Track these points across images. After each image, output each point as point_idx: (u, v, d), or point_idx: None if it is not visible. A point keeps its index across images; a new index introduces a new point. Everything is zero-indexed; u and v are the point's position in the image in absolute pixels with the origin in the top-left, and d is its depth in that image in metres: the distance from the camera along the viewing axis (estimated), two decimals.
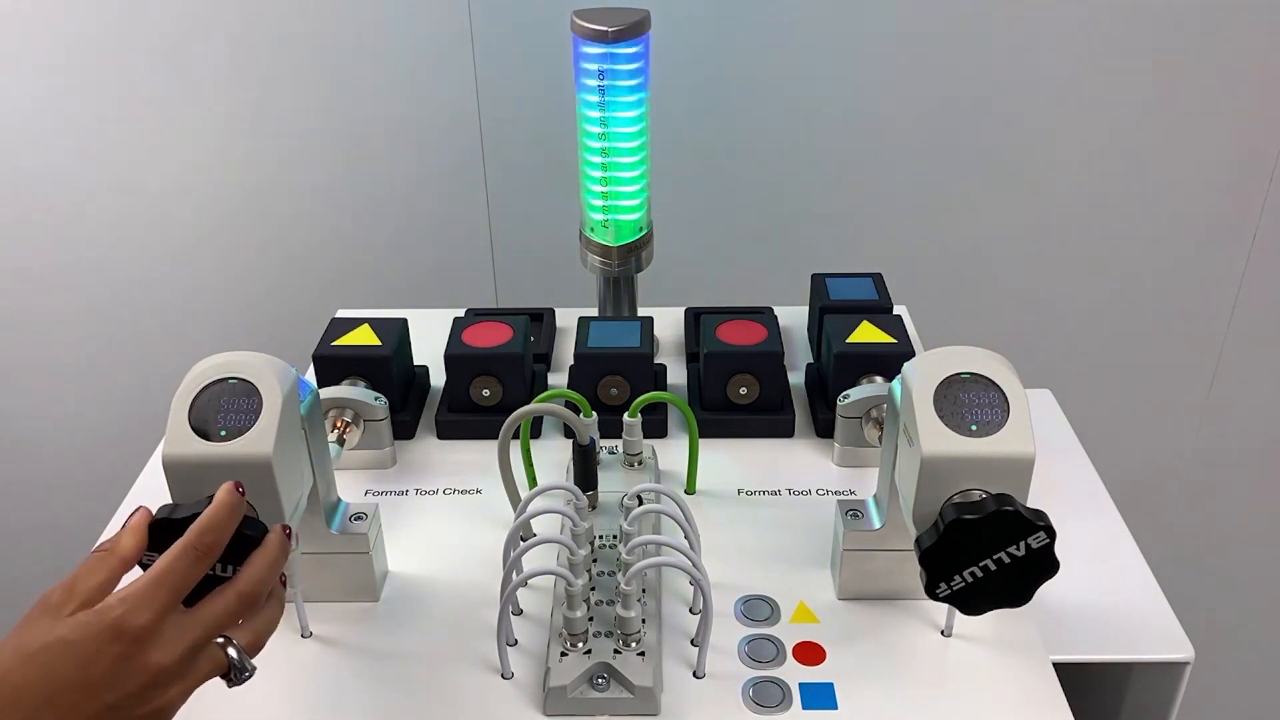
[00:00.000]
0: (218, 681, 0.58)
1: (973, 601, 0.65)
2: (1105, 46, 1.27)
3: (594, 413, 0.84)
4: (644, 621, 0.71)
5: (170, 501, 0.65)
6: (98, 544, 0.61)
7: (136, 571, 0.59)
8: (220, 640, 0.58)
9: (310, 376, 0.95)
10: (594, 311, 1.09)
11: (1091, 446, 1.02)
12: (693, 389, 1.00)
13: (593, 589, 0.73)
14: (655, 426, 0.95)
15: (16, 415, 1.53)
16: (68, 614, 0.54)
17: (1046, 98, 1.30)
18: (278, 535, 0.62)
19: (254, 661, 0.59)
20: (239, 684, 0.59)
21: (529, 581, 0.73)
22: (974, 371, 0.67)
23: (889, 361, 0.92)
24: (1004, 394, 0.67)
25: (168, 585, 0.55)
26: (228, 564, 0.61)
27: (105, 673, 0.52)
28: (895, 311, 1.02)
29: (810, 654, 0.73)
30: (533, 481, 0.87)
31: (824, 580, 0.79)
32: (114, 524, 0.89)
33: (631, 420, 0.87)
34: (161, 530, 0.59)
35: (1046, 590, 0.65)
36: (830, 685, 0.70)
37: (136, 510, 0.61)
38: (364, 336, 0.95)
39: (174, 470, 0.65)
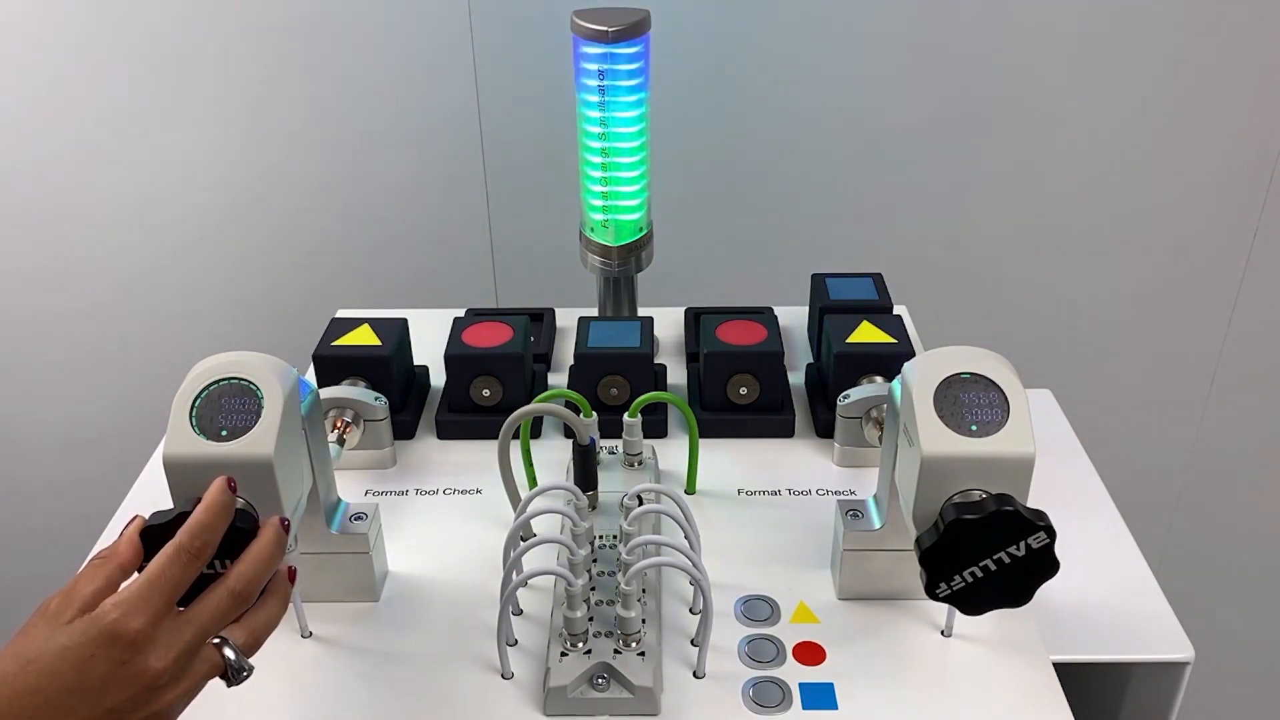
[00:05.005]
0: (218, 681, 0.59)
1: (973, 601, 0.65)
2: (1105, 46, 1.27)
3: (594, 413, 0.84)
4: (644, 621, 0.71)
5: (171, 503, 0.65)
6: (95, 551, 0.61)
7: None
8: (215, 641, 0.58)
9: (310, 376, 0.95)
10: (594, 311, 1.09)
11: (1091, 446, 1.02)
12: (693, 389, 1.00)
13: (593, 589, 0.73)
14: (655, 426, 0.95)
15: (16, 415, 1.53)
16: (65, 621, 0.54)
17: (1046, 97, 1.30)
18: (272, 530, 0.62)
19: (254, 661, 0.59)
20: (237, 683, 0.59)
21: (529, 581, 0.73)
22: (974, 371, 0.67)
23: (889, 361, 0.92)
24: (1004, 394, 0.67)
25: (160, 589, 0.55)
26: (222, 558, 0.60)
27: (103, 678, 0.53)
28: (895, 311, 1.02)
29: (810, 654, 0.73)
30: (533, 481, 0.87)
31: (824, 580, 0.79)
32: (115, 524, 0.89)
33: (631, 420, 0.87)
34: (157, 537, 0.59)
35: (1046, 590, 0.65)
36: (830, 685, 0.70)
37: (134, 519, 0.61)
38: (364, 336, 0.95)
39: (175, 470, 0.65)
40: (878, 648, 0.73)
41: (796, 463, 0.93)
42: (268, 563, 0.61)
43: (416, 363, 1.03)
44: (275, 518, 0.63)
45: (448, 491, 0.90)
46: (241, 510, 0.63)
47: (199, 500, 0.60)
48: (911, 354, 0.93)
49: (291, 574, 0.64)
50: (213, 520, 0.59)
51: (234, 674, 0.58)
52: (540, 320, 1.11)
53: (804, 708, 0.69)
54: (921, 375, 0.68)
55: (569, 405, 0.82)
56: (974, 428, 0.65)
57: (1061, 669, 0.72)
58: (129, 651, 0.53)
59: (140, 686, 0.53)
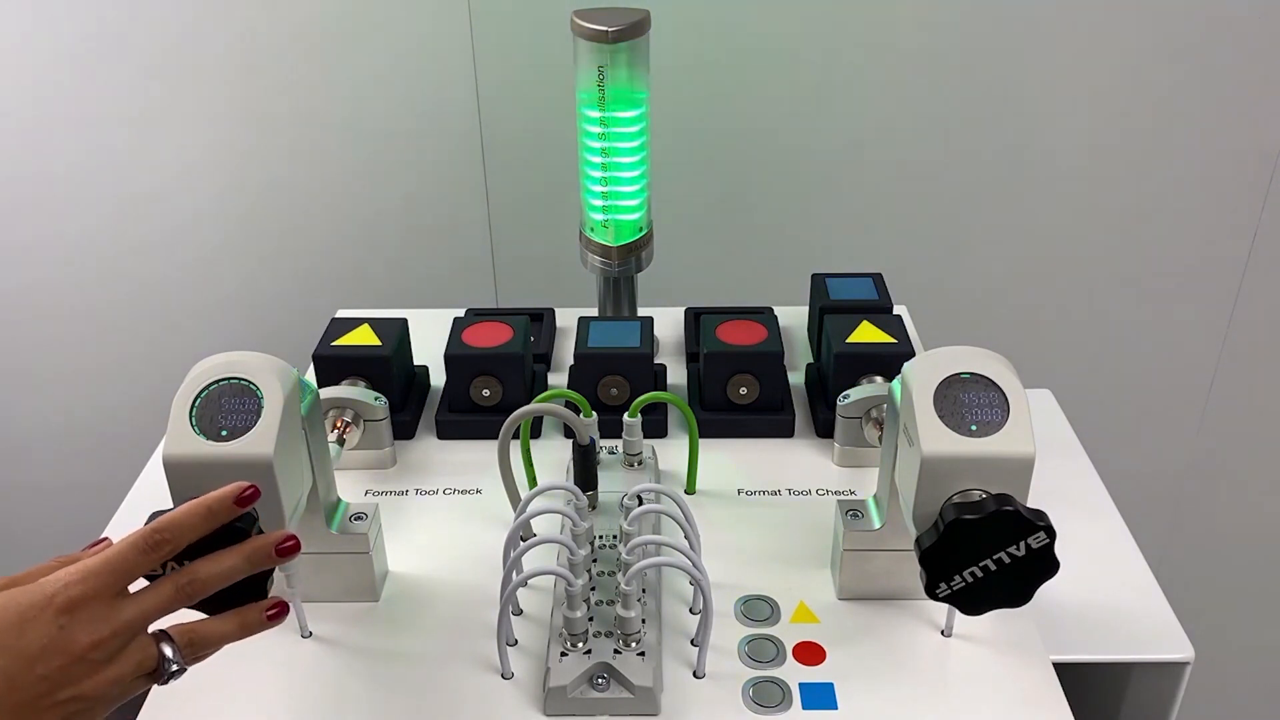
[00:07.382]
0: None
1: (973, 601, 0.65)
2: (1105, 47, 1.27)
3: (594, 413, 0.84)
4: (644, 621, 0.71)
5: (171, 503, 0.65)
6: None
7: None
8: (154, 633, 0.57)
9: (310, 376, 0.95)
10: (594, 311, 1.09)
11: (1091, 446, 1.02)
12: (693, 389, 1.00)
13: (593, 589, 0.73)
14: (655, 426, 0.95)
15: (17, 416, 1.53)
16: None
17: (1046, 98, 1.30)
18: (259, 542, 0.61)
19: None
20: (164, 683, 0.57)
21: (529, 581, 0.73)
22: (974, 371, 0.67)
23: (889, 361, 0.92)
24: (1004, 394, 0.67)
25: (111, 568, 0.55)
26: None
27: (39, 641, 0.52)
28: (895, 311, 1.02)
29: (810, 654, 0.73)
30: (533, 481, 0.87)
31: (824, 580, 0.79)
32: (115, 524, 0.89)
33: (631, 420, 0.87)
34: None
35: (1046, 590, 0.65)
36: (830, 685, 0.70)
37: (102, 540, 0.60)
38: (364, 336, 0.95)
39: (175, 470, 0.65)
40: (878, 648, 0.74)
41: (796, 463, 0.93)
42: (228, 569, 0.59)
43: (416, 363, 1.03)
44: (278, 533, 0.62)
45: (448, 491, 0.90)
46: (245, 513, 0.62)
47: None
48: (911, 354, 0.93)
49: (280, 610, 0.62)
50: (187, 520, 0.58)
51: (165, 668, 0.57)
52: (540, 320, 1.11)
53: (804, 708, 0.69)
54: (921, 375, 0.68)
55: (569, 405, 0.82)
56: (974, 428, 0.65)
57: (1061, 669, 0.72)
58: (64, 617, 0.53)
59: (70, 658, 0.53)
